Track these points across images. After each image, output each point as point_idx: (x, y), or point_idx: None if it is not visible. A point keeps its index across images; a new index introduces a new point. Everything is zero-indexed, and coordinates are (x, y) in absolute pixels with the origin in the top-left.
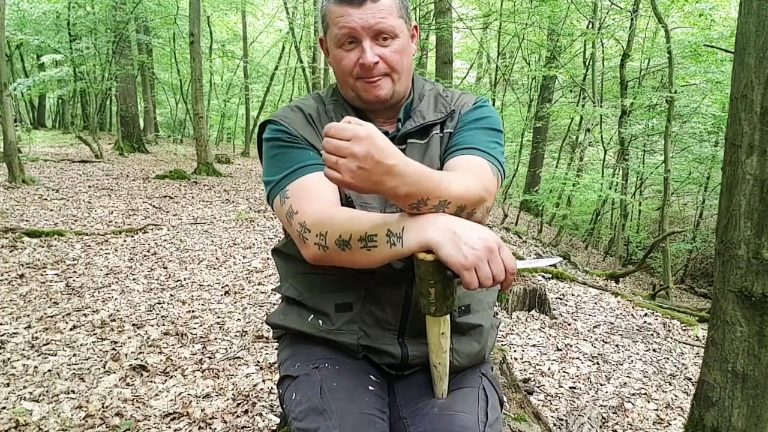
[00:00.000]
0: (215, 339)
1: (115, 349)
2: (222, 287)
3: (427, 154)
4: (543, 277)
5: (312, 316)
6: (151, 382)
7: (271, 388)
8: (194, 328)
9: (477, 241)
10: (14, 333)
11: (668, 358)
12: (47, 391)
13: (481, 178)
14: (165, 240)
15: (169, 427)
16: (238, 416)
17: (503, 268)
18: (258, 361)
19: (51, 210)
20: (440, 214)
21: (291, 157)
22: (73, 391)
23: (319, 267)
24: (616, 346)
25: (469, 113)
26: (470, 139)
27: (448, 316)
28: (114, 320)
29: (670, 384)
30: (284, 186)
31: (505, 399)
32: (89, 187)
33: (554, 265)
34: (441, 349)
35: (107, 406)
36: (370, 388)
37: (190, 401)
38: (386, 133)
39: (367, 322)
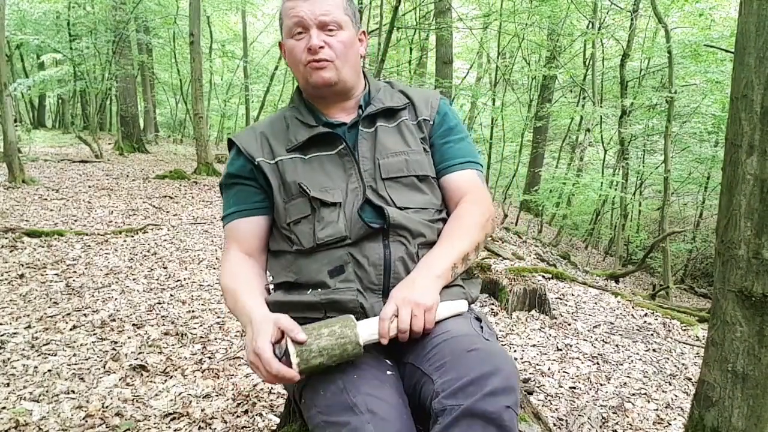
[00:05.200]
0: (215, 339)
1: (115, 349)
2: None
3: (402, 136)
4: (543, 277)
5: (310, 290)
6: (151, 382)
7: (271, 388)
8: (194, 328)
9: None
10: (14, 333)
11: (668, 358)
12: (47, 391)
13: (480, 202)
14: (165, 240)
15: (169, 427)
16: (238, 416)
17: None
18: None
19: (51, 210)
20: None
21: (228, 199)
22: (73, 391)
23: (303, 250)
24: (616, 346)
25: (443, 120)
26: (460, 151)
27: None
28: (114, 320)
29: (670, 384)
30: (224, 225)
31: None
32: (89, 187)
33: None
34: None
35: (107, 406)
36: (389, 372)
37: (190, 401)
38: (343, 124)
39: (357, 282)
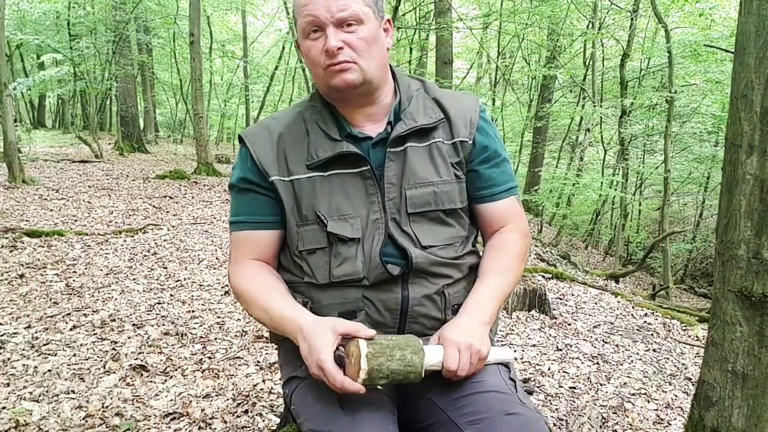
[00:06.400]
0: (215, 339)
1: (115, 349)
2: (222, 287)
3: (433, 159)
4: (543, 277)
5: None
6: (151, 382)
7: (271, 388)
8: (194, 328)
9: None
10: (14, 333)
11: (668, 358)
12: (47, 391)
13: (521, 231)
14: (165, 240)
15: (169, 427)
16: (238, 416)
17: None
18: (258, 361)
19: (51, 210)
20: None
21: (240, 205)
22: (73, 391)
23: (317, 284)
24: (616, 346)
25: (484, 141)
26: (501, 176)
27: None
28: (114, 320)
29: (670, 384)
30: (233, 230)
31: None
32: (89, 187)
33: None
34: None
35: (107, 406)
36: (378, 387)
37: (190, 401)
38: (368, 138)
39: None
